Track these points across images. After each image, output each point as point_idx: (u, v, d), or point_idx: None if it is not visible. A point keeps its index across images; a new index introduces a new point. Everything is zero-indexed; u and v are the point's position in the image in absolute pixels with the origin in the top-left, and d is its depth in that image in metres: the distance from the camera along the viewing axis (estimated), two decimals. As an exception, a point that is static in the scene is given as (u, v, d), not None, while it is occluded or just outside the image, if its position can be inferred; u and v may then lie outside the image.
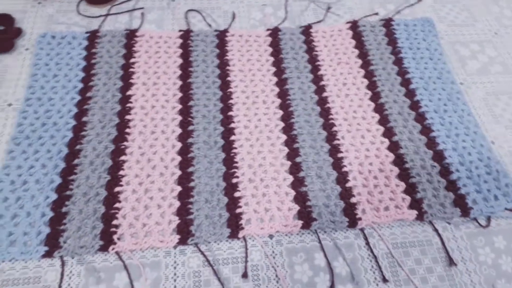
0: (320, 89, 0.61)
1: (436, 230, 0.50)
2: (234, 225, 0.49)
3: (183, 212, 0.49)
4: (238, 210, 0.50)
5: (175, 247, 0.48)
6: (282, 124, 0.57)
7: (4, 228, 0.47)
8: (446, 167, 0.55)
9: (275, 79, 0.62)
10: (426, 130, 0.58)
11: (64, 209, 0.49)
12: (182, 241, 0.47)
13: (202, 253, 0.47)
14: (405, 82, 0.63)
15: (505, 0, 0.78)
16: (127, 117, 0.56)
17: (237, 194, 0.51)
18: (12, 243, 0.46)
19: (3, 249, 0.46)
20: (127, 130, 0.55)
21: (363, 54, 0.66)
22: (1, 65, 0.62)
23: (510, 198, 0.52)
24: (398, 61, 0.66)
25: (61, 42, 0.64)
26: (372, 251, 0.48)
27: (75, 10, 0.69)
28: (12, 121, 0.56)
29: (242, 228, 0.49)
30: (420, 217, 0.51)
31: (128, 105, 0.58)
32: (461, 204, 0.52)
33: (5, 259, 0.46)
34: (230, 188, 0.51)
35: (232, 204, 0.50)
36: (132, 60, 0.62)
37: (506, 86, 0.65)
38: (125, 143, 0.54)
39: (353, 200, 0.51)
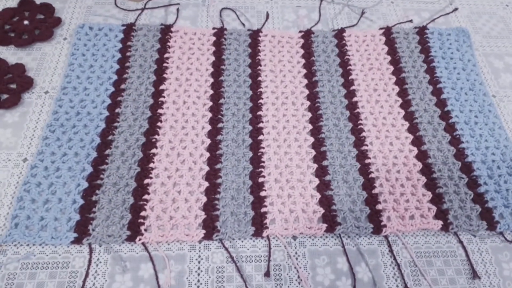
0: (350, 94, 0.61)
1: (461, 242, 0.50)
2: (259, 224, 0.49)
3: (210, 207, 0.50)
4: (263, 209, 0.50)
5: (200, 241, 0.49)
6: (310, 127, 0.58)
7: (36, 213, 0.49)
8: (474, 179, 0.54)
9: (305, 81, 0.62)
10: (455, 141, 0.58)
11: (94, 198, 0.50)
12: (207, 236, 0.48)
13: (226, 249, 0.48)
14: (437, 91, 0.63)
15: (543, 13, 0.76)
16: (159, 111, 0.58)
17: (262, 193, 0.51)
18: (43, 228, 0.48)
19: (34, 233, 0.47)
20: (159, 124, 0.56)
21: (395, 61, 0.66)
22: (40, 53, 0.63)
23: (539, 215, 0.52)
24: (430, 70, 0.65)
25: (98, 34, 0.65)
26: (395, 259, 0.48)
27: (112, 3, 0.71)
28: (48, 109, 0.58)
29: (267, 227, 0.49)
30: (445, 228, 0.50)
31: (161, 99, 0.59)
32: (488, 218, 0.51)
33: (35, 243, 0.47)
34: (256, 187, 0.52)
35: (258, 203, 0.51)
36: (166, 55, 0.64)
37: (540, 101, 0.64)
38: (156, 136, 0.55)
39: (378, 206, 0.51)
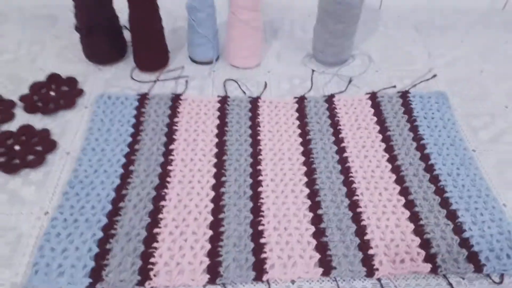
0: (340, 150, 0.68)
1: (450, 284, 0.53)
2: (259, 269, 0.53)
3: (213, 254, 0.54)
4: (263, 255, 0.54)
5: (204, 285, 0.52)
6: (305, 179, 0.63)
7: (54, 260, 0.53)
8: (459, 226, 0.58)
9: (300, 140, 0.69)
10: (439, 191, 0.63)
11: (108, 246, 0.55)
12: (211, 281, 0.52)
13: (229, 293, 0.51)
14: (420, 147, 0.69)
15: (515, 77, 0.85)
16: (169, 167, 0.64)
17: (262, 241, 0.56)
18: (60, 274, 0.52)
19: (52, 278, 0.51)
20: (168, 179, 0.62)
21: (381, 121, 0.73)
22: (64, 120, 0.71)
23: (522, 258, 0.55)
24: (414, 129, 0.72)
25: (115, 102, 0.74)
26: (388, 301, 0.51)
27: (128, 76, 0.80)
28: (69, 167, 0.64)
29: (266, 272, 0.53)
30: (435, 270, 0.54)
31: (170, 157, 0.65)
32: (474, 261, 0.54)
33: (53, 288, 0.51)
34: (256, 235, 0.56)
35: (258, 249, 0.55)
36: (175, 120, 0.71)
37: (517, 155, 0.69)
38: (165, 190, 0.61)
39: (370, 251, 0.55)
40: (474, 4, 1.03)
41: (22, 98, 0.74)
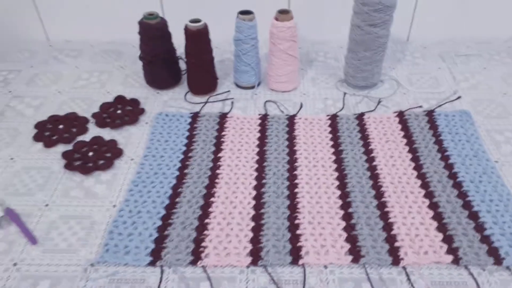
0: (370, 159, 0.75)
1: (471, 273, 0.58)
2: (295, 255, 0.60)
3: (255, 241, 0.62)
4: (298, 244, 0.62)
5: (247, 266, 0.60)
6: (337, 183, 0.71)
7: (121, 242, 0.63)
8: (481, 225, 0.63)
9: (332, 150, 0.77)
10: (462, 195, 0.68)
11: (166, 232, 0.64)
12: (254, 263, 0.60)
13: (269, 273, 0.59)
14: (444, 158, 0.75)
15: (537, 99, 0.90)
16: (217, 171, 0.74)
17: (298, 232, 0.63)
18: (127, 253, 0.61)
19: (121, 255, 0.61)
20: (216, 180, 0.72)
21: (408, 136, 0.80)
22: (128, 133, 0.84)
23: (540, 253, 0.59)
24: (438, 142, 0.78)
25: (171, 119, 0.86)
26: (413, 286, 0.57)
27: (183, 98, 0.93)
28: (133, 171, 0.75)
29: (302, 258, 0.60)
30: (456, 261, 0.59)
31: (218, 163, 0.75)
32: (494, 255, 0.59)
33: (121, 263, 0.60)
34: (293, 227, 0.64)
35: (294, 239, 0.62)
36: (223, 133, 0.82)
37: (539, 166, 0.74)
38: (214, 189, 0.70)
39: (396, 244, 0.61)
40: (497, 35, 1.10)
41: (94, 115, 0.87)
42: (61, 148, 0.80)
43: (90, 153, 0.78)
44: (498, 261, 0.59)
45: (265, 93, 0.95)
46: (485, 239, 0.61)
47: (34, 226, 0.65)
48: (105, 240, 0.63)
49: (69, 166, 0.75)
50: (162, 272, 0.59)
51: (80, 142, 0.80)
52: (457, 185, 0.70)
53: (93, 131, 0.84)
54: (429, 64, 1.03)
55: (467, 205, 0.66)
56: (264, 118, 0.86)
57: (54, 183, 0.73)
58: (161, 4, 1.08)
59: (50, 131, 0.84)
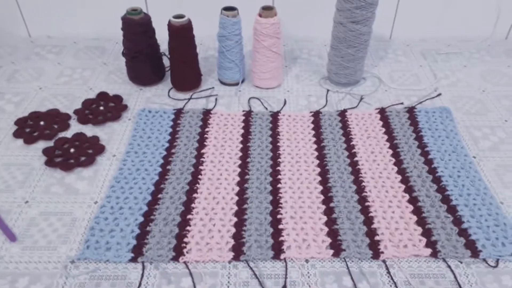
0: (351, 155, 0.76)
1: (449, 266, 0.59)
2: (277, 249, 0.61)
3: (238, 236, 0.62)
4: (280, 238, 0.62)
5: (229, 262, 0.60)
6: (319, 178, 0.72)
7: (103, 238, 0.62)
8: (458, 218, 0.65)
9: (315, 146, 0.78)
10: (441, 190, 0.69)
11: (148, 228, 0.64)
12: (236, 258, 0.60)
13: (251, 268, 0.59)
14: (424, 153, 0.76)
15: (515, 96, 0.92)
16: (200, 167, 0.74)
17: (280, 227, 0.64)
18: (108, 249, 0.61)
19: (101, 252, 0.60)
20: (199, 176, 0.72)
21: (389, 132, 0.81)
22: (111, 129, 0.83)
23: (516, 245, 0.61)
24: (419, 138, 0.80)
25: (154, 115, 0.85)
26: (392, 278, 0.58)
27: (166, 95, 0.92)
28: (115, 167, 0.75)
29: (284, 252, 0.60)
30: (434, 255, 0.60)
31: (201, 159, 0.75)
32: (472, 248, 0.60)
33: (102, 260, 0.60)
34: (275, 222, 0.64)
35: (276, 233, 0.63)
36: (206, 129, 0.82)
37: (515, 161, 0.76)
38: (197, 185, 0.70)
39: (376, 238, 0.62)
40: (478, 34, 1.12)
41: (76, 112, 0.87)
42: (42, 144, 0.79)
43: (72, 150, 0.77)
44: (475, 253, 0.60)
45: (249, 89, 0.95)
46: (463, 233, 0.63)
47: (14, 223, 0.65)
48: (86, 237, 0.62)
49: (49, 163, 0.74)
50: (143, 268, 0.59)
51: (62, 139, 0.79)
52: (436, 180, 0.71)
53: (75, 127, 0.84)
54: (410, 61, 1.05)
55: (445, 199, 0.68)
56: (248, 114, 0.86)
57: (34, 180, 0.72)
58: (145, 0, 1.07)
59: (30, 127, 0.82)
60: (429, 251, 0.60)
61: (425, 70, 1.02)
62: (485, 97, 0.92)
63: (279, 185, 0.70)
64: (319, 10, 1.08)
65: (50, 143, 0.79)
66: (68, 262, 0.59)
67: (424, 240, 0.62)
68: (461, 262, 0.60)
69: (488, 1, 1.07)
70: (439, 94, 0.92)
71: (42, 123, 0.83)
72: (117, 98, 0.90)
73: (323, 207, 0.67)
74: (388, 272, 0.58)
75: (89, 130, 0.83)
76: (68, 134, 0.81)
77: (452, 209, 0.66)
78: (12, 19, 1.11)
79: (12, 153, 0.77)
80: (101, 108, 0.88)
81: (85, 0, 1.08)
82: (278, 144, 0.79)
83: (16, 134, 0.81)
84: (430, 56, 1.07)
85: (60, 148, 0.78)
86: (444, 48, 1.11)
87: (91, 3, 1.08)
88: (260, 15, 0.87)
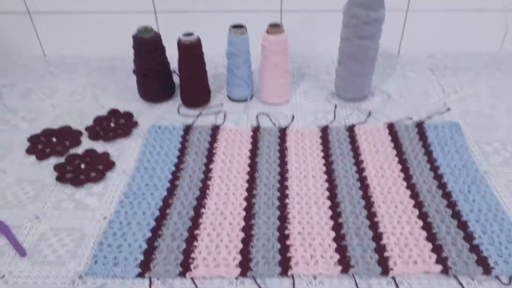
0: (360, 170, 0.76)
1: (460, 283, 0.58)
2: (285, 265, 0.60)
3: (245, 252, 0.62)
4: (288, 254, 0.62)
5: (236, 278, 0.60)
6: (327, 194, 0.71)
7: (111, 254, 0.62)
8: (470, 234, 0.64)
9: (323, 161, 0.78)
10: (451, 205, 0.68)
11: (155, 244, 0.64)
12: (243, 274, 0.59)
13: (258, 284, 0.58)
14: (434, 168, 0.76)
15: (526, 110, 0.91)
16: (208, 182, 0.74)
17: (288, 242, 0.63)
18: (116, 264, 0.61)
19: (109, 268, 0.61)
20: (207, 191, 0.72)
21: (398, 147, 0.81)
22: (121, 146, 0.84)
23: (529, 262, 0.59)
24: (428, 153, 0.79)
25: (164, 132, 0.86)
26: (402, 296, 0.57)
27: (176, 112, 0.94)
28: (125, 183, 0.75)
29: (291, 268, 0.60)
30: (445, 271, 0.59)
31: (210, 174, 0.76)
32: (484, 264, 0.59)
33: (109, 275, 0.60)
34: (283, 238, 0.64)
35: (284, 249, 0.62)
36: (215, 145, 0.83)
37: (527, 176, 0.75)
38: (205, 200, 0.71)
39: (386, 254, 0.61)
40: (486, 49, 1.12)
41: (87, 129, 0.88)
42: (54, 161, 0.80)
43: (82, 166, 0.78)
44: (487, 270, 0.59)
45: (258, 106, 0.96)
46: (474, 249, 0.62)
47: (24, 238, 0.65)
48: (94, 252, 0.63)
49: (60, 179, 0.75)
50: (150, 283, 0.59)
51: (73, 155, 0.81)
52: (446, 195, 0.70)
53: (86, 144, 0.85)
54: (419, 77, 1.05)
55: (456, 215, 0.67)
56: (256, 130, 0.87)
57: (45, 196, 0.73)
58: (156, 19, 1.10)
59: (43, 144, 0.84)
60: (439, 267, 0.59)
61: (433, 85, 1.01)
62: (494, 112, 0.91)
63: (287, 201, 0.70)
64: (326, 27, 1.09)
65: (62, 159, 0.80)
66: (76, 277, 0.60)
67: (434, 256, 0.61)
68: (473, 279, 0.59)
69: (496, 16, 1.07)
70: (448, 109, 0.92)
71: (54, 139, 0.85)
72: (128, 115, 0.92)
73: (331, 222, 0.67)
74: (398, 289, 0.58)
75: (100, 147, 0.84)
76: (79, 150, 0.83)
77: (463, 225, 0.65)
78: (27, 39, 1.15)
79: (24, 169, 0.79)
80: (112, 125, 0.89)
81: (98, 20, 1.11)
82: (286, 159, 0.79)
83: (29, 151, 0.82)
84: (438, 71, 1.07)
85: (71, 164, 0.79)
86: (452, 63, 1.10)
87: (103, 23, 1.11)
88: (268, 32, 0.88)
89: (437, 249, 0.62)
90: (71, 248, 0.64)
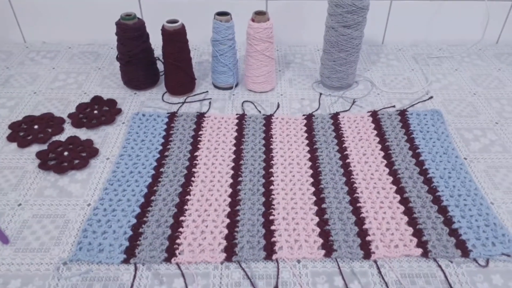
0: (343, 157, 0.77)
1: (439, 266, 0.59)
2: (269, 250, 0.61)
3: (230, 237, 0.63)
4: (272, 239, 0.62)
5: (222, 263, 0.60)
6: (311, 180, 0.72)
7: (95, 240, 0.62)
8: (449, 219, 0.65)
9: (307, 148, 0.79)
10: (432, 191, 0.70)
11: (140, 230, 0.64)
12: (228, 259, 0.60)
13: (243, 269, 0.59)
14: (415, 155, 0.77)
15: (505, 99, 0.93)
16: (193, 169, 0.74)
17: (272, 227, 0.64)
18: (100, 251, 0.61)
19: (94, 254, 0.61)
20: (192, 178, 0.72)
21: (381, 134, 0.82)
22: (104, 133, 0.84)
23: (506, 245, 0.61)
24: (410, 140, 0.81)
25: (148, 119, 0.86)
26: (383, 278, 0.58)
27: (160, 99, 0.93)
28: (108, 170, 0.75)
29: (275, 253, 0.61)
30: (425, 254, 0.60)
31: (195, 161, 0.76)
32: (462, 247, 0.61)
33: (94, 261, 0.60)
34: (267, 223, 0.65)
35: (268, 234, 0.63)
36: (200, 133, 0.82)
37: (505, 162, 0.77)
38: (190, 187, 0.71)
39: (368, 238, 0.63)
40: (468, 38, 1.14)
41: (70, 115, 0.87)
42: (36, 148, 0.79)
43: (65, 153, 0.78)
44: (466, 253, 0.60)
45: (243, 93, 0.96)
46: (453, 233, 0.63)
47: (6, 225, 0.65)
48: (79, 238, 0.62)
49: (43, 166, 0.74)
50: (136, 269, 0.59)
51: (55, 142, 0.80)
52: (427, 181, 0.72)
53: (69, 131, 0.84)
54: (402, 65, 1.06)
55: (436, 200, 0.68)
56: (241, 117, 0.87)
57: (27, 183, 0.72)
58: (140, 5, 1.08)
59: (24, 131, 0.83)
60: (420, 251, 0.61)
61: (417, 73, 1.03)
62: (476, 100, 0.93)
63: (271, 187, 0.71)
64: (311, 15, 1.09)
65: (44, 147, 0.79)
66: (61, 263, 0.59)
67: (415, 240, 0.62)
68: (451, 262, 0.60)
69: (478, 6, 1.09)
70: (431, 97, 0.93)
71: (36, 127, 0.84)
72: (112, 102, 0.91)
73: (315, 208, 0.67)
74: (379, 272, 0.59)
75: (83, 134, 0.83)
76: (62, 137, 0.82)
77: (443, 210, 0.67)
78: (7, 25, 1.12)
79: (5, 157, 0.77)
80: (95, 112, 0.88)
81: (80, 6, 1.09)
82: (271, 146, 0.79)
83: (10, 138, 0.81)
84: (421, 60, 1.08)
85: (54, 151, 0.78)
86: (436, 52, 1.12)
87: (85, 9, 1.09)
88: (253, 20, 0.88)
89: (417, 233, 0.63)
90: (55, 235, 0.64)
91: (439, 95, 0.94)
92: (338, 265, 0.60)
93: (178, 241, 0.62)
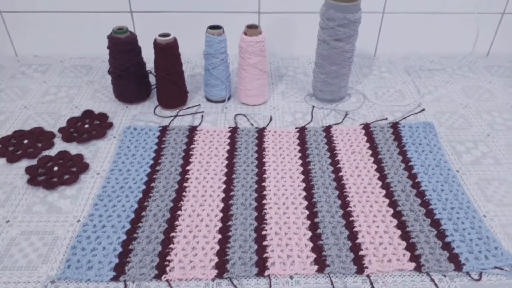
0: (336, 170, 0.77)
1: (433, 280, 0.59)
2: (261, 266, 0.60)
3: (222, 254, 0.62)
4: (265, 255, 0.62)
5: (213, 279, 0.59)
6: (304, 194, 0.72)
7: (84, 257, 0.61)
8: (442, 232, 0.65)
9: (300, 161, 0.78)
10: (425, 204, 0.70)
11: (130, 247, 0.63)
12: (219, 275, 0.59)
13: (234, 286, 0.58)
14: (408, 168, 0.77)
15: (496, 111, 0.94)
16: (185, 184, 0.73)
17: (265, 243, 0.63)
18: (89, 268, 0.60)
19: (83, 271, 0.59)
20: (184, 193, 0.72)
21: (373, 147, 0.82)
22: (95, 147, 0.83)
23: (499, 258, 0.61)
24: (402, 153, 0.81)
25: (140, 133, 0.85)
26: (376, 294, 0.57)
27: (152, 112, 0.93)
28: (99, 185, 0.74)
29: (268, 269, 0.60)
30: (418, 268, 0.60)
31: (186, 176, 0.75)
32: (455, 261, 0.61)
33: (83, 280, 0.59)
34: (260, 238, 0.64)
35: (261, 250, 0.62)
36: (192, 146, 0.82)
37: (497, 175, 0.77)
38: (181, 202, 0.70)
39: (361, 253, 0.62)
40: (460, 51, 1.15)
41: (60, 130, 0.86)
42: (25, 163, 0.78)
43: (55, 168, 0.77)
44: (459, 267, 0.60)
45: (236, 106, 0.95)
46: (446, 246, 0.63)
47: (-7, 243, 0.64)
48: (67, 256, 0.61)
49: (32, 181, 0.73)
50: (125, 287, 0.58)
51: (45, 157, 0.79)
52: (420, 194, 0.72)
53: (60, 146, 0.83)
54: (394, 78, 1.07)
55: (429, 214, 0.68)
56: (233, 131, 0.86)
57: (16, 199, 0.71)
58: (132, 19, 1.08)
59: (14, 146, 0.82)
60: (413, 265, 0.60)
61: (409, 86, 1.03)
62: (467, 112, 0.93)
63: (264, 201, 0.70)
64: (303, 29, 1.10)
65: (34, 162, 0.78)
66: (48, 282, 0.58)
67: (408, 254, 0.62)
68: (444, 276, 0.60)
69: (469, 20, 1.10)
70: (423, 110, 0.94)
71: (25, 141, 0.83)
72: (103, 116, 0.90)
73: (308, 222, 0.67)
74: (372, 287, 0.58)
75: (73, 148, 0.82)
76: (52, 152, 0.81)
77: (435, 223, 0.66)
78: (-2, 39, 1.12)
79: (-6, 172, 0.76)
80: (86, 126, 0.87)
81: (72, 19, 1.08)
82: (264, 160, 0.79)
83: (-1, 153, 0.80)
84: (413, 73, 1.09)
85: (44, 166, 0.77)
86: (427, 64, 1.13)
87: (77, 22, 1.09)
88: (245, 33, 0.88)
89: (410, 247, 0.63)
90: (43, 252, 0.62)
91: (431, 108, 0.95)
92: (331, 280, 0.59)
93: (168, 257, 0.61)
